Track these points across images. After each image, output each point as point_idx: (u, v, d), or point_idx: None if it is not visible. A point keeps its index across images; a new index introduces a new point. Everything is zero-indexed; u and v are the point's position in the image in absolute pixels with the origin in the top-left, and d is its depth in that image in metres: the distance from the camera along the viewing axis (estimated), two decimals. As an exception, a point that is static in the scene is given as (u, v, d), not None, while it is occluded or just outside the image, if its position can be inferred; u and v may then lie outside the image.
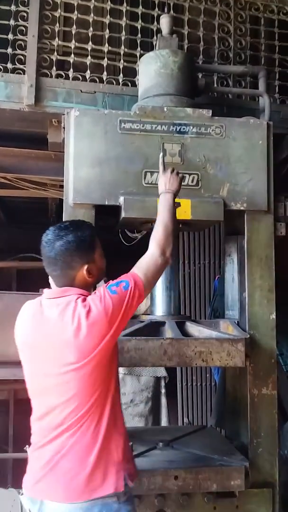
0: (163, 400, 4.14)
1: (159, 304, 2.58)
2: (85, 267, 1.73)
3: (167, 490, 2.22)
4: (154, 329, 2.44)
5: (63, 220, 2.37)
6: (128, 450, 1.79)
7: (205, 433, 2.97)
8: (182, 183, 2.40)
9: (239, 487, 2.29)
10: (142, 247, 2.51)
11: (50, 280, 1.81)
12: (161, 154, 2.27)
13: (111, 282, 1.70)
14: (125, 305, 1.64)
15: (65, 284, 1.73)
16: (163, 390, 4.17)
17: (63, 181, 2.46)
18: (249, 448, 2.42)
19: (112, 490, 1.63)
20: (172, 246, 1.88)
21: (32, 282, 3.59)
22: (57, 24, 2.98)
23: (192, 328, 2.47)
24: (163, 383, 4.19)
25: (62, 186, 2.48)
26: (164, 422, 4.12)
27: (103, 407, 1.67)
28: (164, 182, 2.08)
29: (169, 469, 2.23)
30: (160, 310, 2.57)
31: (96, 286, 1.83)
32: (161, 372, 4.16)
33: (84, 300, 1.65)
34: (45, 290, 1.80)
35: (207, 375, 4.19)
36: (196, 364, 2.22)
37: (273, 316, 2.49)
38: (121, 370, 3.71)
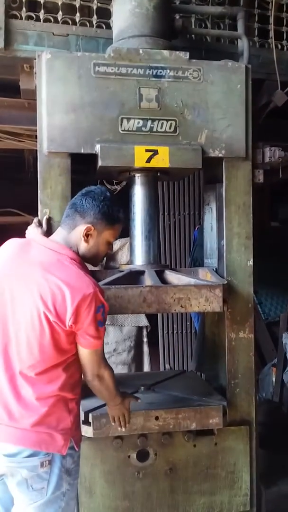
0: (146, 348, 4.26)
1: (138, 253, 2.59)
2: (90, 226, 1.83)
3: (148, 430, 2.31)
4: (133, 278, 2.46)
5: (39, 172, 2.33)
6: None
7: (185, 377, 3.07)
8: (160, 130, 2.37)
9: (217, 425, 2.39)
10: (122, 199, 2.49)
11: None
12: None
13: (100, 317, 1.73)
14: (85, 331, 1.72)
15: (68, 228, 1.85)
16: (145, 339, 4.28)
17: (38, 131, 2.39)
18: (227, 389, 2.52)
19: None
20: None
21: (9, 237, 3.54)
22: None
23: (171, 276, 2.49)
24: (145, 332, 4.30)
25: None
26: (146, 369, 4.25)
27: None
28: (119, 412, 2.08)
29: (150, 410, 2.30)
30: (139, 259, 2.58)
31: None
32: (143, 321, 4.25)
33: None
34: (42, 237, 1.91)
35: (187, 323, 4.29)
36: (175, 310, 2.26)
37: (250, 262, 2.52)
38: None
